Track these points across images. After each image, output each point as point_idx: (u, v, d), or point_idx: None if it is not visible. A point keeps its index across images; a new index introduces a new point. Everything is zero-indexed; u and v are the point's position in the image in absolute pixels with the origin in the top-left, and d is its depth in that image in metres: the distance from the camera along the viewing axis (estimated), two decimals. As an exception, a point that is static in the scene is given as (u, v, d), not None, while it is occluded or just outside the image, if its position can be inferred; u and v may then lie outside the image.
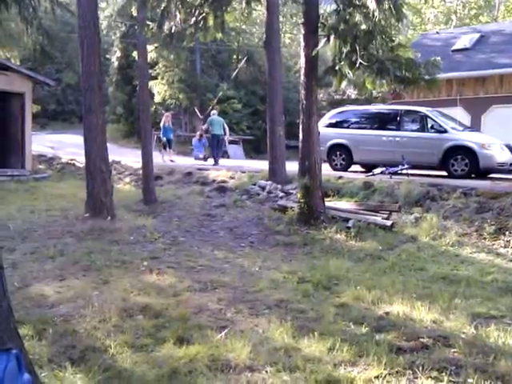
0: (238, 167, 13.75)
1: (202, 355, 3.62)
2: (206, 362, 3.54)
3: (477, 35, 19.68)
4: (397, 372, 3.44)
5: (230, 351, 3.70)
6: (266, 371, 3.46)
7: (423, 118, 12.40)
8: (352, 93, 23.80)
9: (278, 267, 6.41)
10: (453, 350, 3.78)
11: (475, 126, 15.83)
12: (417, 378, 3.37)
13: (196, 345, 3.81)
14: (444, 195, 9.49)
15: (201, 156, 17.15)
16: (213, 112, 17.09)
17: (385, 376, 3.38)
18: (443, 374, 3.40)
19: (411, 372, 3.44)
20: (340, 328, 4.29)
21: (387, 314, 4.66)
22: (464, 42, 19.49)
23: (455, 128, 12.24)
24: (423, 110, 12.70)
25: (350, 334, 4.16)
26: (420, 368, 3.46)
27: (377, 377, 3.37)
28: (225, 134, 16.18)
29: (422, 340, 3.94)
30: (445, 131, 11.89)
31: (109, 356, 3.63)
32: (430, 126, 12.23)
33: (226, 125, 16.32)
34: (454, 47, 19.51)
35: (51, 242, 7.12)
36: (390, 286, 5.56)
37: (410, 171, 11.39)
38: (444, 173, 11.80)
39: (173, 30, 8.23)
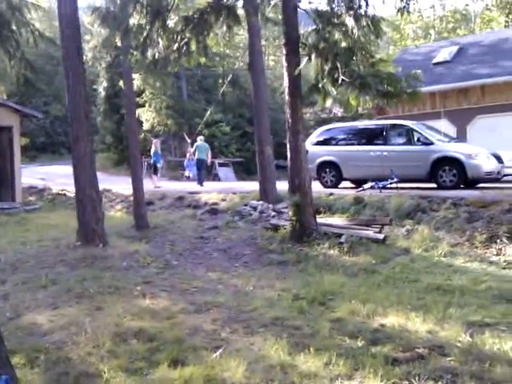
0: (229, 189, 13.79)
1: (197, 376, 3.59)
2: (201, 382, 3.51)
3: (456, 48, 20.09)
4: (393, 383, 3.43)
5: (226, 370, 3.68)
6: (263, 389, 3.43)
7: (409, 132, 12.58)
8: (338, 111, 24.09)
9: (272, 285, 6.39)
10: (448, 359, 3.78)
11: (461, 137, 16.06)
12: (414, 387, 3.36)
13: (191, 366, 3.78)
14: (434, 206, 9.57)
15: (190, 175, 18.57)
16: (199, 138, 18.19)
17: (382, 387, 3.37)
18: (439, 383, 3.40)
19: (407, 383, 3.43)
20: (336, 343, 4.28)
21: (382, 326, 4.66)
22: (444, 54, 19.88)
23: (441, 140, 12.42)
24: (409, 123, 12.89)
25: (346, 347, 4.15)
26: (416, 378, 3.46)
27: (374, 388, 3.36)
28: (207, 158, 17.69)
29: (417, 350, 3.94)
30: (431, 143, 12.05)
31: (103, 381, 3.58)
32: (416, 138, 12.40)
33: (209, 150, 17.89)
34: (434, 60, 19.89)
35: (43, 272, 7.05)
36: (385, 298, 5.57)
37: (400, 184, 11.49)
38: (433, 184, 11.91)
39: (156, 57, 8.35)
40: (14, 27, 6.31)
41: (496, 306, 5.17)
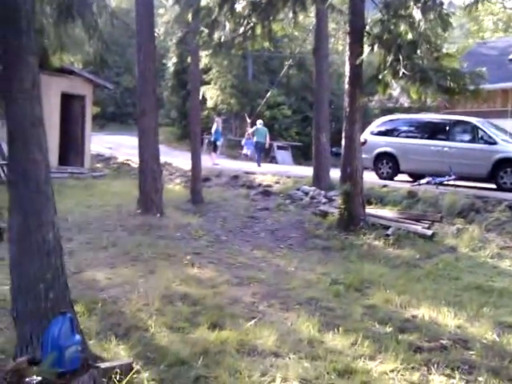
0: (284, 172, 14.08)
1: (232, 340, 3.96)
2: (235, 345, 3.88)
3: (535, 44, 19.11)
4: (412, 367, 3.65)
5: (258, 338, 4.03)
6: (289, 358, 3.75)
7: (473, 129, 12.26)
8: (405, 101, 23.52)
9: (313, 269, 6.67)
10: (470, 353, 3.93)
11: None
12: (430, 374, 3.57)
13: (227, 330, 4.16)
14: (489, 207, 9.43)
15: (248, 153, 19.15)
16: (259, 122, 18.66)
17: (399, 370, 3.60)
18: (456, 372, 3.58)
19: (426, 368, 3.64)
20: (365, 326, 4.52)
21: (413, 317, 4.84)
22: (522, 51, 18.97)
23: (506, 140, 12.03)
24: (473, 120, 12.54)
25: (374, 332, 4.38)
26: (435, 365, 3.65)
27: (392, 370, 3.60)
28: (266, 141, 18.33)
29: (441, 341, 4.12)
30: (495, 143, 11.72)
31: (149, 334, 4.04)
32: (479, 137, 12.08)
33: (267, 134, 18.35)
34: (510, 56, 19.01)
35: (105, 235, 7.70)
36: (421, 292, 5.71)
37: (458, 182, 11.31)
38: (493, 185, 11.62)
39: (222, 39, 8.68)
40: (95, 10, 6.87)
41: (532, 311, 5.19)
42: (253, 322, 4.39)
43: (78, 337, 2.99)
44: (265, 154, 22.04)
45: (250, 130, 19.39)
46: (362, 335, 4.18)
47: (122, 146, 22.01)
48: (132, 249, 6.94)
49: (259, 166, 17.00)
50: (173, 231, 8.26)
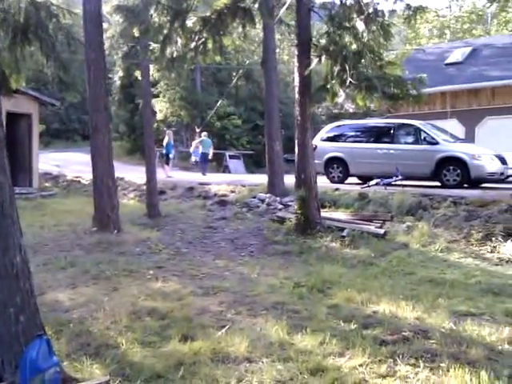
0: (238, 181, 14.22)
1: (205, 349, 4.02)
2: (208, 355, 3.94)
3: (469, 49, 20.27)
4: (379, 360, 3.84)
5: (230, 346, 4.11)
6: (263, 362, 3.86)
7: (416, 131, 12.89)
8: (350, 107, 24.29)
9: (275, 274, 6.81)
10: (431, 342, 4.18)
11: (469, 138, 16.34)
12: (397, 364, 3.77)
13: (199, 341, 4.21)
14: (435, 204, 9.93)
15: (197, 159, 20.20)
16: (204, 134, 19.97)
17: (367, 364, 3.78)
18: (420, 361, 3.81)
19: (392, 360, 3.84)
20: (331, 325, 4.69)
21: (375, 312, 5.06)
22: (456, 55, 20.09)
23: (447, 140, 12.72)
24: (416, 123, 13.19)
25: (340, 330, 4.56)
26: (400, 356, 3.86)
27: (361, 365, 3.77)
28: (210, 152, 19.54)
29: (403, 334, 4.34)
30: (437, 143, 12.37)
31: (121, 351, 4.03)
32: (422, 138, 12.71)
33: (212, 146, 19.77)
34: (447, 61, 20.09)
35: (62, 255, 7.55)
36: (380, 288, 5.96)
37: (404, 182, 11.84)
38: (437, 183, 12.24)
39: (174, 55, 8.76)
40: (51, 31, 6.82)
41: (483, 299, 5.55)
42: (223, 330, 4.47)
43: (55, 358, 2.98)
44: (217, 164, 22.66)
45: (196, 141, 20.63)
46: (329, 334, 4.34)
47: (69, 163, 21.53)
48: (92, 267, 6.84)
49: (204, 174, 18.07)
50: (132, 247, 8.20)
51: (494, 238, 8.08)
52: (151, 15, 8.79)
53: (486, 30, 32.35)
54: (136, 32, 10.47)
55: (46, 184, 17.11)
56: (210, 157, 19.63)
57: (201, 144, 19.41)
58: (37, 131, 15.98)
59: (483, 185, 12.16)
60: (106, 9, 21.44)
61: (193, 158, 21.19)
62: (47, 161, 20.83)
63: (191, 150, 21.55)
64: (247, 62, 26.98)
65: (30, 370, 2.82)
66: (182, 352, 4.02)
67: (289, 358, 3.91)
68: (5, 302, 3.18)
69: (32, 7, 6.80)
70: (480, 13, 32.29)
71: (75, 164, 20.85)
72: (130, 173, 16.93)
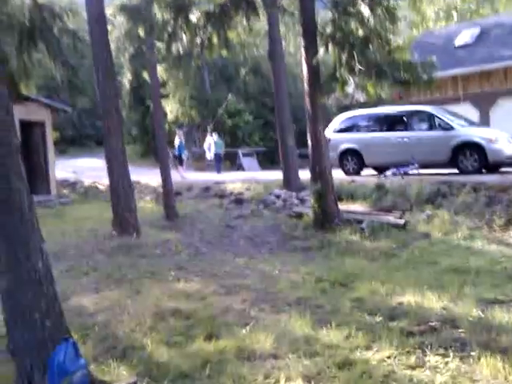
0: (252, 179, 14.19)
1: (230, 347, 4.02)
2: (234, 352, 3.94)
3: (477, 30, 19.79)
4: (407, 352, 3.79)
5: (255, 343, 4.10)
6: (289, 358, 3.84)
7: (430, 117, 12.68)
8: (360, 97, 24.06)
9: (296, 270, 6.78)
10: (459, 331, 4.12)
11: (484, 121, 16.05)
12: (426, 355, 3.72)
13: (224, 339, 4.21)
14: (454, 191, 9.79)
15: (212, 156, 20.88)
16: (215, 134, 21.09)
17: (396, 356, 3.74)
18: (449, 350, 3.75)
19: (420, 351, 3.79)
20: (355, 319, 4.65)
21: (400, 304, 5.00)
22: (465, 37, 19.63)
23: (462, 124, 12.50)
24: (429, 109, 12.98)
25: (365, 323, 4.52)
26: (429, 347, 3.81)
27: (389, 357, 3.73)
28: (222, 152, 20.76)
29: (431, 324, 4.29)
30: (451, 128, 12.14)
31: (147, 352, 4.05)
32: (436, 124, 12.49)
33: (223, 146, 21.09)
34: (456, 43, 19.69)
35: (84, 260, 7.61)
36: (403, 279, 5.89)
37: (422, 170, 11.68)
38: (455, 170, 12.05)
39: (181, 52, 8.77)
40: (56, 33, 6.88)
41: (509, 285, 5.45)
42: (247, 327, 4.46)
43: (82, 361, 3.00)
44: (231, 162, 22.76)
45: (209, 140, 21.46)
46: (354, 327, 4.31)
47: (85, 169, 21.69)
48: (114, 271, 6.89)
49: (219, 173, 18.78)
50: (152, 249, 8.24)
51: (516, 223, 7.94)
52: (155, 13, 8.82)
53: (494, 8, 31.73)
54: (141, 31, 10.47)
55: (64, 191, 17.26)
56: (222, 156, 20.53)
57: (214, 145, 20.36)
58: (51, 138, 16.12)
59: (502, 169, 11.95)
60: (108, 11, 21.65)
61: (208, 155, 21.74)
62: (64, 168, 21.01)
63: (205, 146, 22.17)
64: (253, 55, 26.84)
65: (58, 373, 2.85)
66: (207, 351, 4.03)
67: (315, 353, 3.89)
68: (30, 307, 3.21)
69: (35, 8, 6.83)
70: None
71: (91, 170, 20.99)
72: (145, 175, 16.99)
